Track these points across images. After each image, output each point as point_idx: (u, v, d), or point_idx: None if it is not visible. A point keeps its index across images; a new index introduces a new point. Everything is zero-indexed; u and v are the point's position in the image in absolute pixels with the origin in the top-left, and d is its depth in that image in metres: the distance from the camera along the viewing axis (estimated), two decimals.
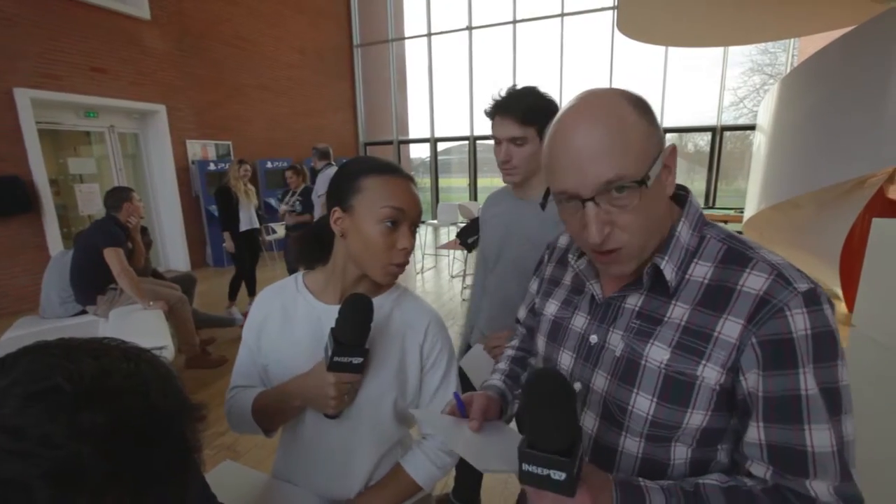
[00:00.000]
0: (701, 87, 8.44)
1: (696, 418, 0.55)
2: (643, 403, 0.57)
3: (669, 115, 8.38)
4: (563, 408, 0.46)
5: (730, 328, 0.53)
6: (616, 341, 0.61)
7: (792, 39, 7.60)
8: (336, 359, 0.69)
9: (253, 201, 4.08)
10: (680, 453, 0.58)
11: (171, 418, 0.39)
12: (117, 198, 2.88)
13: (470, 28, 9.25)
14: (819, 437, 0.49)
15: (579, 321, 0.68)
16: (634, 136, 0.52)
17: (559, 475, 0.46)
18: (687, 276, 0.58)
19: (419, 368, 0.83)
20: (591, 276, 0.66)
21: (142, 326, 2.43)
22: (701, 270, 0.57)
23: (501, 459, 0.55)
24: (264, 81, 7.54)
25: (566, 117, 0.56)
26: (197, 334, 3.27)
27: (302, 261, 0.85)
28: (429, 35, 9.67)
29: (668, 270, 0.58)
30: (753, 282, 0.53)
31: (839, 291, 4.06)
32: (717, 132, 8.19)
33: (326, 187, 3.64)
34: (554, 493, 0.47)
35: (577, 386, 0.65)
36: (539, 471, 0.47)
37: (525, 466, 0.48)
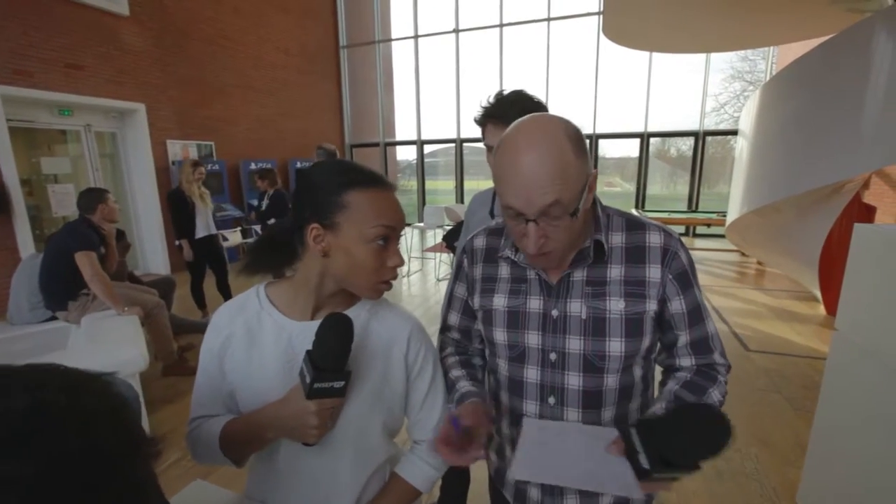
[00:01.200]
0: (684, 92, 8.58)
1: (646, 341, 0.76)
2: (616, 346, 0.74)
3: (653, 120, 8.49)
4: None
5: (654, 272, 0.74)
6: (577, 308, 0.76)
7: (771, 47, 7.77)
8: (317, 385, 0.63)
9: (209, 206, 3.87)
10: (637, 372, 0.79)
11: (117, 458, 0.34)
12: (91, 199, 2.77)
13: (457, 31, 9.26)
14: (710, 325, 0.78)
15: (534, 303, 0.78)
16: (571, 170, 0.65)
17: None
18: (610, 245, 0.76)
19: (405, 379, 0.79)
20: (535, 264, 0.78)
21: (115, 333, 2.33)
22: (617, 238, 0.77)
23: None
24: (248, 81, 7.41)
25: (519, 140, 0.66)
26: (175, 340, 3.17)
27: (258, 270, 0.77)
28: (416, 37, 9.64)
29: (605, 242, 0.75)
30: (654, 238, 0.76)
31: (818, 294, 4.15)
32: (699, 137, 8.32)
33: None
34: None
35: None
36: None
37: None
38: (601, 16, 6.12)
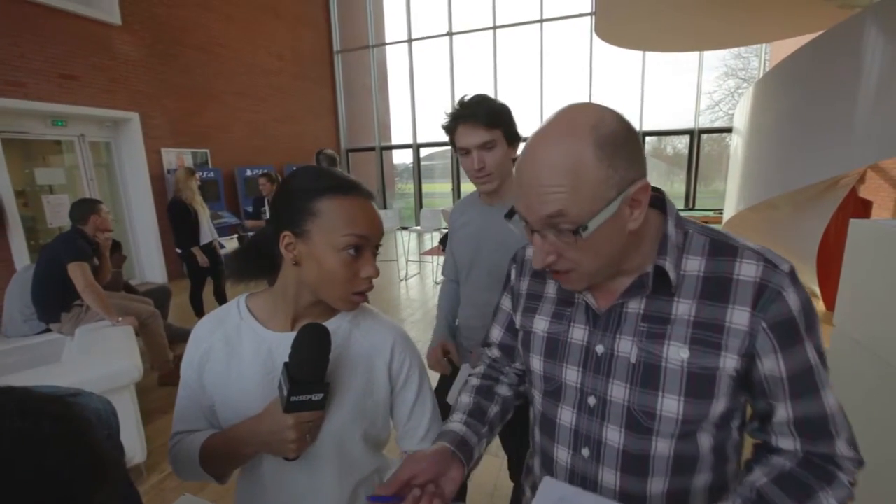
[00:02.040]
0: (678, 91, 8.60)
1: (719, 406, 0.57)
2: (671, 405, 0.57)
3: (648, 119, 8.51)
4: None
5: (739, 316, 0.55)
6: (627, 348, 0.60)
7: (764, 45, 7.80)
8: (294, 398, 0.61)
9: (207, 212, 3.94)
10: (705, 441, 0.60)
11: (74, 485, 0.33)
12: (83, 210, 2.76)
13: (451, 34, 9.28)
14: (830, 399, 0.55)
15: (578, 333, 0.65)
16: (587, 178, 0.52)
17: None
18: (682, 272, 0.59)
19: (388, 391, 0.77)
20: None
21: (109, 344, 2.31)
22: (693, 265, 0.59)
23: None
24: (242, 88, 7.41)
25: (539, 131, 0.56)
26: (171, 350, 3.15)
27: (244, 278, 0.75)
28: (409, 41, 9.66)
29: (671, 270, 0.58)
30: (747, 270, 0.56)
31: (817, 290, 4.14)
32: (694, 135, 8.34)
33: None
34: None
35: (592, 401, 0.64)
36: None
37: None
38: (593, 16, 6.15)
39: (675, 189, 9.07)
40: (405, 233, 8.15)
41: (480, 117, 1.11)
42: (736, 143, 4.70)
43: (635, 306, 0.61)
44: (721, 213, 5.44)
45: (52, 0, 4.69)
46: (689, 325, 0.57)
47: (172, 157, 6.13)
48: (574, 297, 0.66)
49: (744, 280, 0.55)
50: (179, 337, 3.46)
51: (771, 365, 0.55)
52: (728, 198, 4.80)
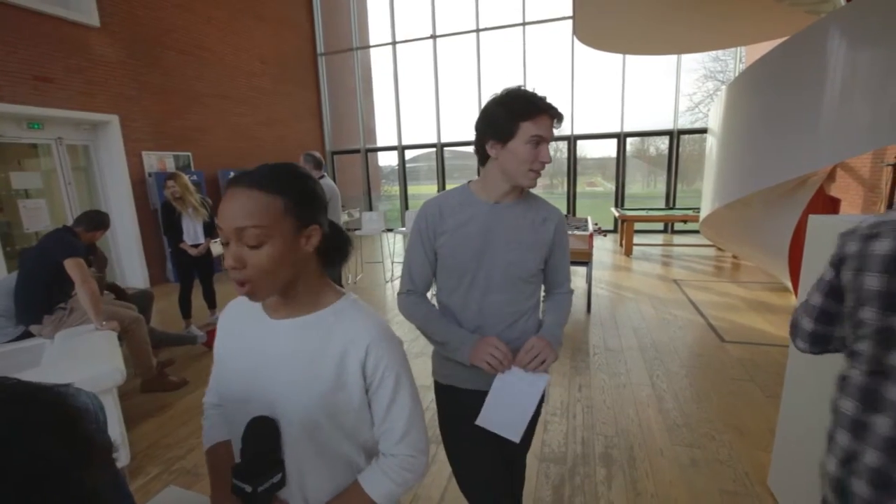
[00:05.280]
0: (658, 92, 8.78)
1: None
2: None
3: (630, 120, 8.67)
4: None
5: None
6: None
7: (739, 48, 8.02)
8: (261, 489, 0.71)
9: (203, 214, 3.91)
10: None
11: (67, 468, 0.35)
12: (99, 221, 2.88)
13: (434, 36, 9.33)
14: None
15: None
16: None
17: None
18: None
19: (362, 388, 0.77)
20: None
21: (90, 348, 2.29)
22: None
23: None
24: (225, 91, 7.35)
25: None
26: (155, 355, 3.12)
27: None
28: (393, 43, 9.69)
29: None
30: None
31: (790, 284, 4.28)
32: (674, 136, 8.53)
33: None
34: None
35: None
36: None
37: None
38: (573, 20, 6.26)
39: (658, 189, 9.25)
40: (391, 234, 8.15)
41: (559, 117, 1.11)
42: (711, 143, 4.83)
43: None
44: (699, 212, 5.58)
45: (26, 1, 4.61)
46: None
47: (153, 160, 6.06)
48: None
49: None
50: (164, 341, 3.43)
51: None
52: (703, 197, 4.93)
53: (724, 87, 4.27)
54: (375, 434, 0.81)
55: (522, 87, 1.11)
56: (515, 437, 1.13)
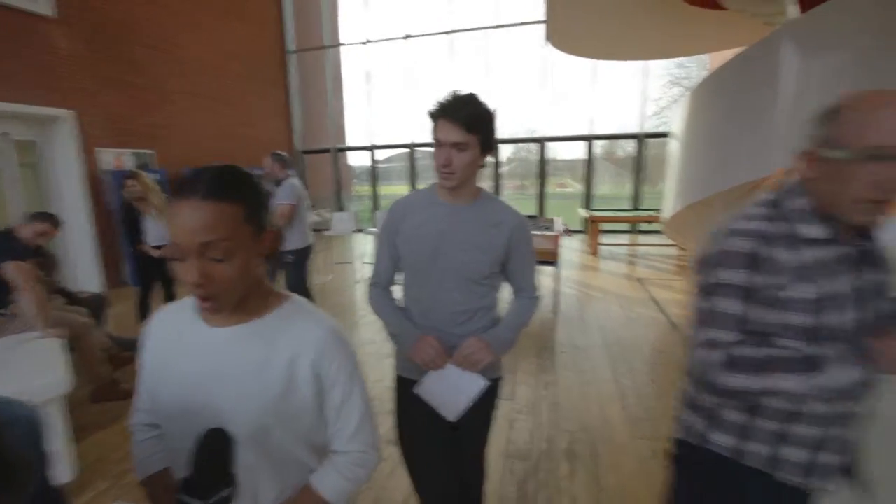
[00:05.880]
0: (626, 97, 9.03)
1: None
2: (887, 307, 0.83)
3: (598, 124, 8.87)
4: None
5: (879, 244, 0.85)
6: (876, 277, 0.81)
7: (704, 55, 8.33)
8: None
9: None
10: None
11: None
12: (42, 217, 2.69)
13: (408, 37, 9.30)
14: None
15: (844, 281, 0.80)
16: None
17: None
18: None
19: (313, 391, 0.76)
20: (841, 239, 0.80)
21: (34, 357, 2.16)
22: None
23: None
24: (190, 87, 7.11)
25: None
26: (110, 363, 2.98)
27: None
28: (366, 42, 9.60)
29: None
30: None
31: None
32: (640, 139, 8.78)
33: (289, 197, 3.27)
34: None
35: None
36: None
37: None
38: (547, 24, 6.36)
39: (624, 190, 9.50)
40: (361, 235, 8.07)
41: (462, 118, 1.10)
42: (673, 146, 5.00)
43: (869, 245, 0.82)
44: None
45: None
46: (877, 254, 0.83)
47: (110, 158, 5.79)
48: (834, 252, 0.81)
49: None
50: (122, 347, 3.28)
51: None
52: (665, 198, 5.09)
53: (688, 92, 4.43)
54: (328, 434, 0.81)
55: (457, 92, 1.14)
56: (451, 417, 1.23)
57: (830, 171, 0.75)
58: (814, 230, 0.80)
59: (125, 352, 3.28)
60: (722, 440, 0.91)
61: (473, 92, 1.15)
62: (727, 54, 6.58)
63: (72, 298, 3.26)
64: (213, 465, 0.68)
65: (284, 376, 0.73)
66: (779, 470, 0.86)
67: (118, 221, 3.55)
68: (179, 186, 0.65)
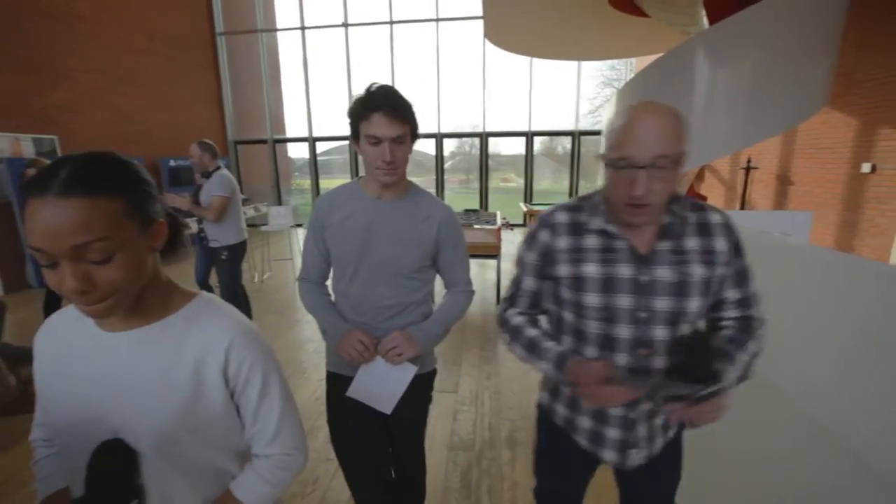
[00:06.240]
0: (562, 95, 9.41)
1: (710, 300, 0.92)
2: (694, 304, 0.88)
3: (536, 120, 9.18)
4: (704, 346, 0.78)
5: (720, 243, 0.90)
6: (664, 274, 0.88)
7: (631, 59, 8.87)
8: None
9: None
10: (701, 323, 0.93)
11: None
12: None
13: (346, 25, 9.04)
14: (754, 286, 0.94)
15: (624, 270, 0.89)
16: (684, 136, 0.82)
17: (719, 387, 0.78)
18: (688, 222, 0.90)
19: (226, 394, 0.72)
20: (625, 235, 0.90)
21: None
22: (690, 217, 0.91)
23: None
24: (103, 67, 6.44)
25: (645, 105, 0.81)
26: (12, 373, 2.65)
27: None
28: (302, 28, 9.21)
29: (683, 218, 0.89)
30: (715, 217, 0.92)
31: None
32: (575, 136, 9.20)
33: (223, 189, 3.05)
34: (712, 399, 0.79)
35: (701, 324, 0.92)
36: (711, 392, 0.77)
37: (704, 393, 0.77)
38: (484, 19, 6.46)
39: (563, 185, 9.93)
40: (301, 230, 7.80)
41: (399, 110, 1.08)
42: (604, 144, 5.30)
43: (665, 245, 0.89)
44: None
45: None
46: (698, 252, 0.89)
47: (5, 144, 5.13)
48: (615, 244, 0.91)
49: (715, 223, 0.91)
50: (22, 356, 2.94)
51: (729, 268, 0.91)
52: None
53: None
54: (246, 437, 0.77)
55: (375, 85, 1.12)
56: (386, 410, 1.25)
57: (607, 176, 0.88)
58: (595, 222, 0.92)
59: (26, 362, 2.94)
60: (543, 398, 1.11)
61: (386, 83, 1.13)
62: (651, 58, 7.08)
63: None
64: (110, 480, 0.63)
65: (191, 382, 0.68)
66: (573, 432, 1.03)
67: (18, 216, 3.14)
68: (35, 180, 0.56)
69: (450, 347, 3.38)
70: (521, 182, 9.87)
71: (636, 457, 0.97)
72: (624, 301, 0.89)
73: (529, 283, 1.01)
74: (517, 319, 1.02)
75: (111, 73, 6.60)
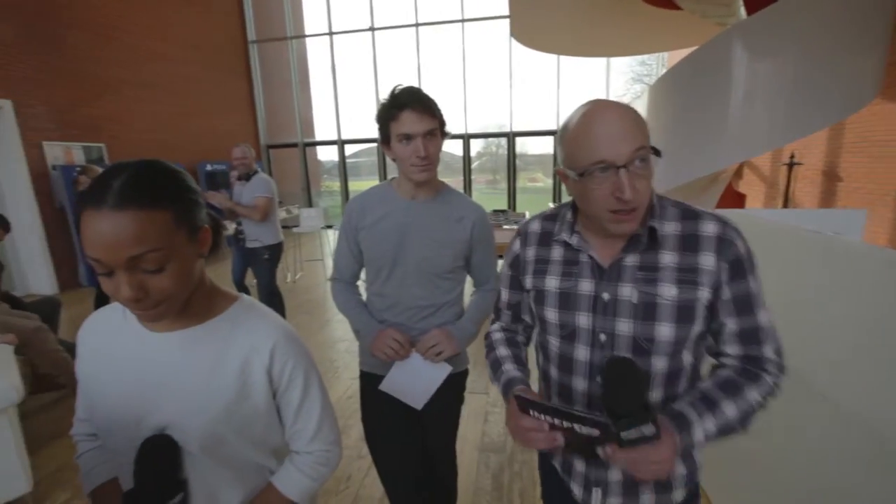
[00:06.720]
0: (590, 93, 9.24)
1: (696, 329, 0.75)
2: (665, 331, 0.74)
3: (565, 119, 9.02)
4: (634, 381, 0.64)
5: (706, 260, 0.73)
6: (628, 293, 0.75)
7: (662, 53, 8.61)
8: None
9: None
10: (686, 359, 0.77)
11: None
12: None
13: (372, 29, 9.16)
14: (763, 317, 0.74)
15: (585, 286, 0.79)
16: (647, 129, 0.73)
17: (650, 429, 0.62)
18: (663, 233, 0.76)
19: (269, 394, 0.74)
20: (588, 248, 0.80)
21: None
22: (670, 227, 0.76)
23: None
24: (144, 77, 6.77)
25: (605, 103, 0.74)
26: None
27: None
28: (330, 34, 9.39)
29: (659, 230, 0.75)
30: (710, 228, 0.74)
31: None
32: None
33: (267, 190, 3.15)
34: (645, 445, 0.62)
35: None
36: (635, 432, 0.61)
37: (623, 434, 0.62)
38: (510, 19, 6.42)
39: None
40: (330, 231, 7.95)
41: (428, 104, 1.10)
42: None
43: (632, 260, 0.76)
44: None
45: None
46: (675, 270, 0.74)
47: (59, 152, 5.45)
48: (578, 257, 0.81)
49: (707, 235, 0.74)
50: (73, 353, 3.11)
51: (725, 292, 0.73)
52: None
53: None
54: (287, 435, 0.80)
55: (398, 87, 1.13)
56: (417, 405, 1.26)
57: (574, 188, 0.76)
58: (562, 232, 0.83)
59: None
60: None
61: (409, 84, 1.15)
62: (684, 52, 6.86)
63: (17, 304, 3.06)
64: (157, 474, 0.66)
65: (236, 382, 0.70)
66: (551, 455, 0.94)
67: (71, 220, 3.34)
68: (90, 191, 0.58)
69: (480, 348, 3.37)
70: (549, 182, 9.75)
71: (606, 501, 0.83)
72: (583, 320, 0.79)
73: (506, 295, 0.96)
74: (496, 335, 0.98)
75: (150, 82, 6.92)
